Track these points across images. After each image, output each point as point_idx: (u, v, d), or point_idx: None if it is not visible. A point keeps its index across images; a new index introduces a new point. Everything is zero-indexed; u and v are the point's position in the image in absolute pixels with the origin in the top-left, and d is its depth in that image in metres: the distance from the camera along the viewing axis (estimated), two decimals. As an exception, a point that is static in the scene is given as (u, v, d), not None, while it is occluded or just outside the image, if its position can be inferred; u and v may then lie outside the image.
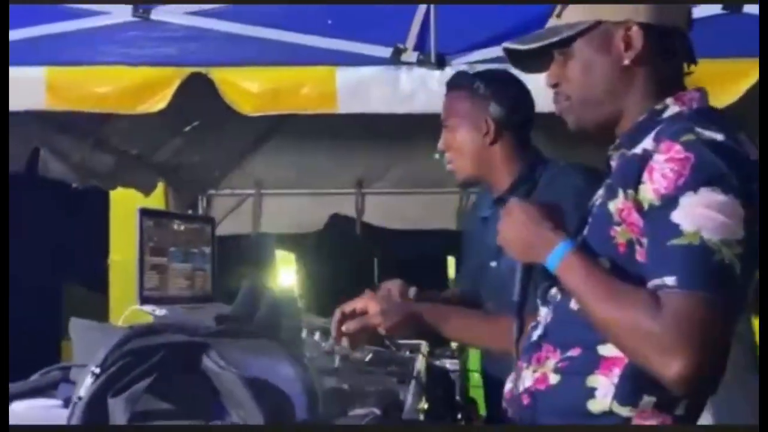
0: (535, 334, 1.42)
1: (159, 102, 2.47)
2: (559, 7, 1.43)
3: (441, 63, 2.39)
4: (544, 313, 1.43)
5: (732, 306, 1.23)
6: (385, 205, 4.86)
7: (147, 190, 4.03)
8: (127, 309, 2.23)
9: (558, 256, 1.32)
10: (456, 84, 2.04)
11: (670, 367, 1.18)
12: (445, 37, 2.37)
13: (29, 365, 1.55)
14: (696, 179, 1.22)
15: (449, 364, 2.46)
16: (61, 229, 6.39)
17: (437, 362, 2.45)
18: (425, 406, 1.79)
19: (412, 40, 2.40)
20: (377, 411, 1.39)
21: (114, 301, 4.40)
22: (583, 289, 1.29)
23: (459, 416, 2.39)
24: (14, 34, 2.43)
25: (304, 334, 1.65)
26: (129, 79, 2.48)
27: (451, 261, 4.91)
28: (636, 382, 1.30)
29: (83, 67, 2.48)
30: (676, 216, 1.22)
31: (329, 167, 4.59)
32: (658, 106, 1.37)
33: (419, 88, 2.43)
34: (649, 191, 1.26)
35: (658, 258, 1.24)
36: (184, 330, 1.15)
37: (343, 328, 1.64)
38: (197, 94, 2.48)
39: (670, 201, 1.23)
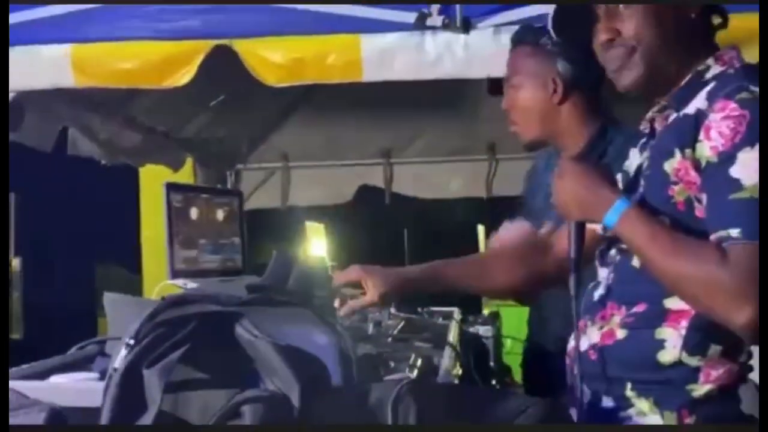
0: (597, 294, 1.45)
1: (185, 75, 2.46)
2: None
3: (466, 26, 2.35)
4: (604, 274, 1.45)
5: None
6: (414, 174, 4.84)
7: (175, 166, 4.04)
8: (159, 284, 2.24)
9: (617, 213, 1.35)
10: (521, 39, 1.98)
11: (741, 314, 1.23)
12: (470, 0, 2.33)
13: (67, 343, 1.57)
14: (753, 135, 1.25)
15: (482, 330, 2.45)
16: (91, 207, 6.44)
17: (470, 329, 2.44)
18: (459, 371, 1.78)
19: (436, 4, 2.37)
20: (412, 376, 1.38)
21: (147, 276, 4.43)
22: (646, 244, 1.32)
23: (494, 382, 2.38)
24: (38, 13, 2.43)
25: (336, 302, 1.65)
26: (154, 53, 2.47)
27: (481, 229, 4.89)
28: (704, 333, 1.34)
29: (108, 43, 2.48)
30: (735, 171, 1.26)
31: (356, 138, 4.58)
32: (701, 67, 1.39)
33: (445, 53, 2.40)
34: (707, 149, 1.29)
35: (722, 211, 1.27)
36: (216, 300, 1.14)
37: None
38: (222, 67, 2.47)
39: (728, 157, 1.27)
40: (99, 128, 3.40)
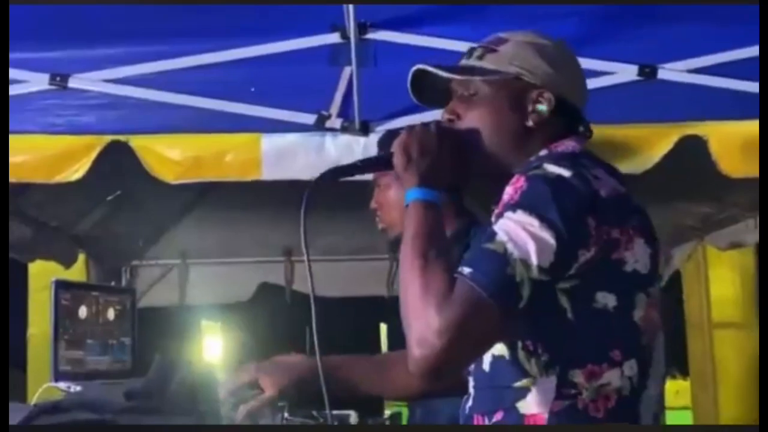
0: (467, 407, 1.43)
1: (78, 171, 2.42)
2: (480, 50, 1.47)
3: (365, 129, 2.39)
4: (470, 383, 1.43)
5: (500, 319, 1.26)
6: (316, 273, 4.80)
7: (67, 262, 3.91)
8: (42, 386, 2.13)
9: (417, 193, 1.38)
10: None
11: (420, 348, 1.24)
12: (368, 104, 2.37)
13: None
14: (519, 202, 1.30)
15: (380, 434, 2.40)
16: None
17: (367, 432, 2.39)
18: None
19: (336, 106, 2.40)
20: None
21: (32, 377, 4.22)
22: (411, 237, 1.34)
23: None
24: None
25: (225, 407, 1.59)
26: (47, 148, 2.42)
27: (383, 328, 4.87)
28: None
29: None
30: (497, 226, 1.30)
31: (256, 236, 4.54)
32: (532, 158, 1.42)
33: (344, 155, 2.42)
34: (492, 216, 1.35)
35: (470, 254, 1.31)
36: (91, 407, 1.08)
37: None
38: (120, 163, 2.43)
39: (497, 217, 1.31)
40: (-14, 222, 3.27)
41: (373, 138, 2.38)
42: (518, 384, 1.33)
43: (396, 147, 1.42)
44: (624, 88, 2.38)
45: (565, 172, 1.31)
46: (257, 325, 5.90)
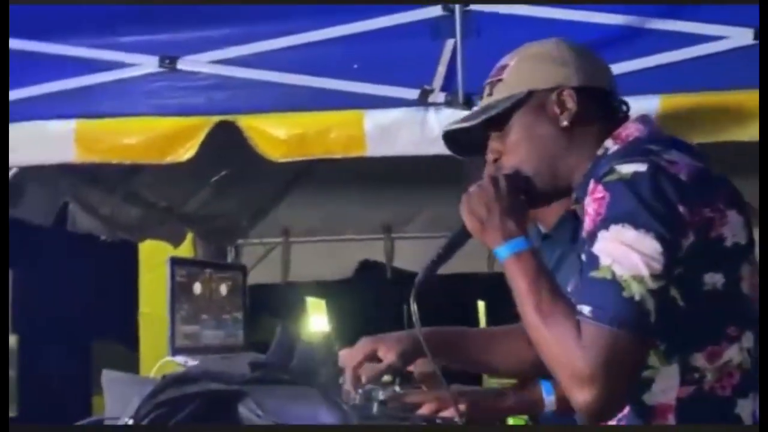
0: None
1: (187, 151, 2.47)
2: (488, 87, 1.51)
3: (469, 103, 2.36)
4: None
5: (639, 341, 1.26)
6: (416, 249, 4.81)
7: (176, 242, 4.02)
8: (159, 361, 2.20)
9: (511, 248, 1.37)
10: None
11: (580, 394, 1.25)
12: (472, 77, 2.34)
13: (62, 421, 1.52)
14: (608, 216, 1.29)
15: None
16: (90, 283, 6.40)
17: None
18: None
19: (439, 80, 2.38)
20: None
21: (144, 354, 4.37)
22: (524, 292, 1.34)
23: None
24: (43, 88, 2.45)
25: (342, 380, 1.61)
26: (157, 129, 2.48)
27: (481, 305, 4.85)
28: (694, 421, 1.30)
29: (111, 118, 2.49)
30: (596, 249, 1.29)
31: (357, 212, 4.57)
32: (600, 152, 1.42)
33: (448, 129, 2.40)
34: (583, 232, 1.34)
35: (582, 287, 1.30)
36: (218, 378, 1.11)
37: (363, 380, 1.63)
38: (226, 143, 2.48)
39: (591, 236, 1.29)
40: (99, 203, 3.39)
41: (477, 112, 2.35)
42: (641, 377, 1.32)
43: (465, 216, 1.44)
44: (739, 52, 2.29)
45: (640, 167, 1.30)
46: (359, 302, 5.96)
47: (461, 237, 1.48)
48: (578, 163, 1.43)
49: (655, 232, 1.26)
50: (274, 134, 2.44)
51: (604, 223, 1.29)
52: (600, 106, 1.45)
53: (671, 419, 1.32)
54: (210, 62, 2.46)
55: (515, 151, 1.46)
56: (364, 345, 1.68)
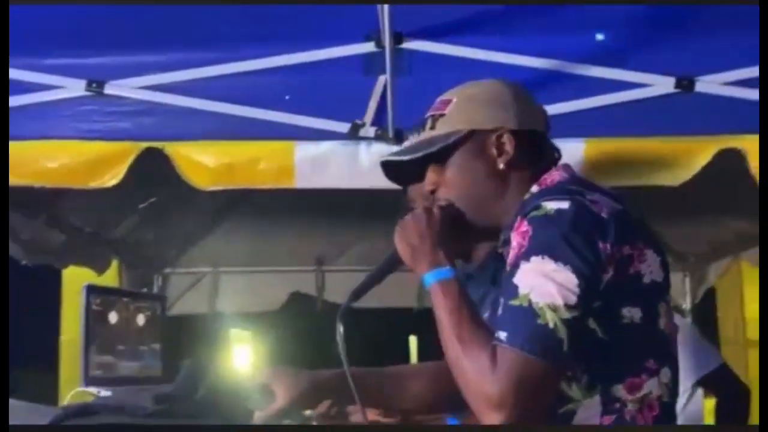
0: None
1: (113, 177, 2.43)
2: (430, 121, 1.53)
3: (399, 138, 2.38)
4: None
5: (551, 368, 1.29)
6: (347, 282, 4.80)
7: (100, 269, 3.94)
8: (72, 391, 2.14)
9: (436, 276, 1.41)
10: None
11: (486, 418, 1.28)
12: (402, 113, 2.36)
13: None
14: (530, 248, 1.33)
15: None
16: (11, 309, 6.23)
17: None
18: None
19: (370, 115, 2.39)
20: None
21: (65, 382, 4.26)
22: (445, 318, 1.37)
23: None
24: (-36, 108, 2.39)
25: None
26: (82, 153, 2.43)
27: (413, 340, 4.85)
28: None
29: (35, 141, 2.43)
30: (516, 279, 1.33)
31: (288, 244, 4.55)
32: (526, 196, 1.46)
33: (378, 164, 2.41)
34: (507, 265, 1.38)
35: (500, 314, 1.33)
36: (121, 410, 1.08)
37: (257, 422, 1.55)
38: (155, 170, 2.45)
39: (514, 266, 1.34)
40: (21, 228, 3.30)
41: (407, 147, 2.37)
42: (562, 410, 1.35)
43: (397, 242, 1.48)
44: (661, 100, 2.36)
45: (563, 204, 1.34)
46: (288, 335, 5.90)
47: (392, 263, 1.51)
48: (509, 205, 1.46)
49: (573, 265, 1.30)
50: (202, 162, 2.42)
51: (526, 254, 1.33)
52: (534, 149, 1.50)
53: None
54: (139, 87, 2.42)
55: (451, 186, 1.49)
56: (260, 375, 1.60)
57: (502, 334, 1.30)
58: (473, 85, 1.57)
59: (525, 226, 1.35)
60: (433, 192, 1.52)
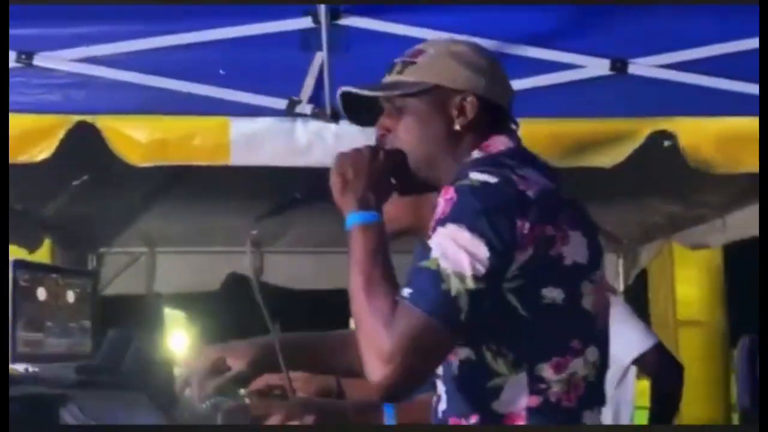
0: (440, 410, 1.44)
1: (43, 152, 2.38)
2: (400, 65, 1.51)
3: (336, 116, 2.37)
4: (441, 388, 1.45)
5: (445, 333, 1.30)
6: (286, 264, 4.79)
7: (31, 247, 3.86)
8: (-1, 368, 2.09)
9: (359, 218, 1.40)
10: None
11: (375, 372, 1.30)
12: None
13: None
14: (449, 215, 1.34)
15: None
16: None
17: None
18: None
19: (307, 92, 2.38)
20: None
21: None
22: (356, 263, 1.36)
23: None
24: None
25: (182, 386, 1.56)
26: (11, 127, 2.37)
27: (353, 322, 4.83)
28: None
29: (-39, 114, 2.36)
30: (432, 241, 1.34)
31: (226, 225, 4.50)
32: (467, 160, 1.45)
33: (315, 141, 2.40)
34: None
35: (411, 272, 1.34)
36: (43, 382, 1.06)
37: (208, 391, 1.60)
38: (86, 145, 2.39)
39: (432, 231, 1.35)
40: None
41: (344, 125, 2.36)
42: (490, 384, 1.36)
43: (332, 173, 1.45)
44: (595, 82, 2.39)
45: (491, 179, 1.35)
46: (225, 315, 5.86)
47: (320, 190, 1.48)
48: (452, 167, 1.45)
49: (487, 239, 1.30)
50: (134, 137, 2.38)
51: (444, 220, 1.33)
52: (492, 119, 1.48)
53: None
54: (70, 60, 2.37)
55: (404, 135, 1.47)
56: (211, 353, 1.64)
57: (407, 291, 1.31)
58: (452, 41, 1.55)
59: (451, 194, 1.35)
60: (383, 136, 1.49)
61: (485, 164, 1.40)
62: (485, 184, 1.34)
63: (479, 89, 1.47)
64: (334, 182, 1.44)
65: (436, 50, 1.50)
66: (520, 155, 1.45)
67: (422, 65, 1.48)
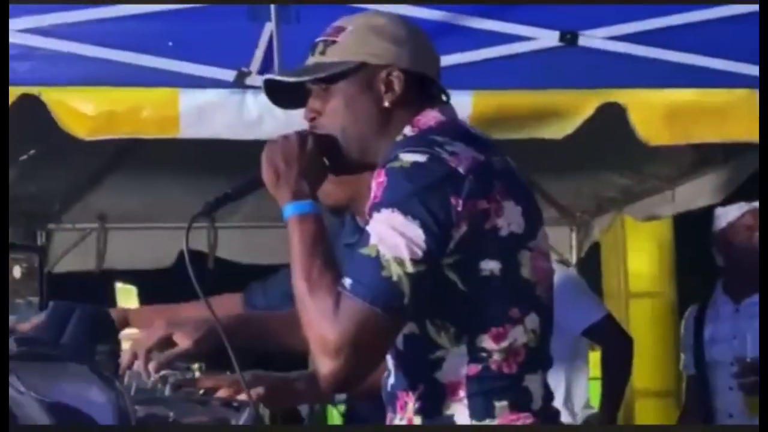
0: (389, 384, 1.46)
1: (-15, 125, 2.32)
2: (321, 45, 1.48)
3: (286, 88, 2.34)
4: (389, 363, 1.45)
5: (390, 320, 1.31)
6: (240, 239, 4.75)
7: (-22, 223, 3.77)
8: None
9: (298, 208, 1.38)
10: None
11: (322, 365, 1.30)
12: (290, 62, 2.32)
13: None
14: (381, 199, 1.33)
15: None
16: None
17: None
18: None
19: (256, 63, 2.35)
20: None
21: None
22: (298, 256, 1.35)
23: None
24: None
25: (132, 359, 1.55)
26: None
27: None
28: (483, 395, 1.36)
29: None
30: (369, 228, 1.33)
31: (179, 199, 4.44)
32: (399, 137, 1.44)
33: (266, 114, 2.38)
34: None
35: (349, 261, 1.34)
36: (-19, 354, 1.04)
37: (152, 367, 1.57)
38: (32, 119, 2.34)
39: (368, 217, 1.34)
40: None
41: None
42: (432, 357, 1.37)
43: (263, 164, 1.42)
44: (545, 54, 2.39)
45: (420, 158, 1.34)
46: (178, 292, 5.82)
47: (252, 184, 1.45)
48: (386, 145, 1.43)
49: (423, 221, 1.30)
50: (80, 110, 2.33)
51: (378, 206, 1.33)
52: (422, 92, 1.47)
53: (462, 394, 1.37)
54: (14, 30, 2.31)
55: (332, 116, 1.45)
56: (158, 329, 1.63)
57: (347, 281, 1.30)
58: (371, 15, 1.53)
59: (382, 176, 1.34)
60: (313, 120, 1.47)
61: (415, 143, 1.39)
62: (415, 164, 1.33)
63: (403, 62, 1.45)
64: (266, 174, 1.41)
65: (355, 26, 1.48)
66: (452, 129, 1.44)
67: (343, 44, 1.46)
